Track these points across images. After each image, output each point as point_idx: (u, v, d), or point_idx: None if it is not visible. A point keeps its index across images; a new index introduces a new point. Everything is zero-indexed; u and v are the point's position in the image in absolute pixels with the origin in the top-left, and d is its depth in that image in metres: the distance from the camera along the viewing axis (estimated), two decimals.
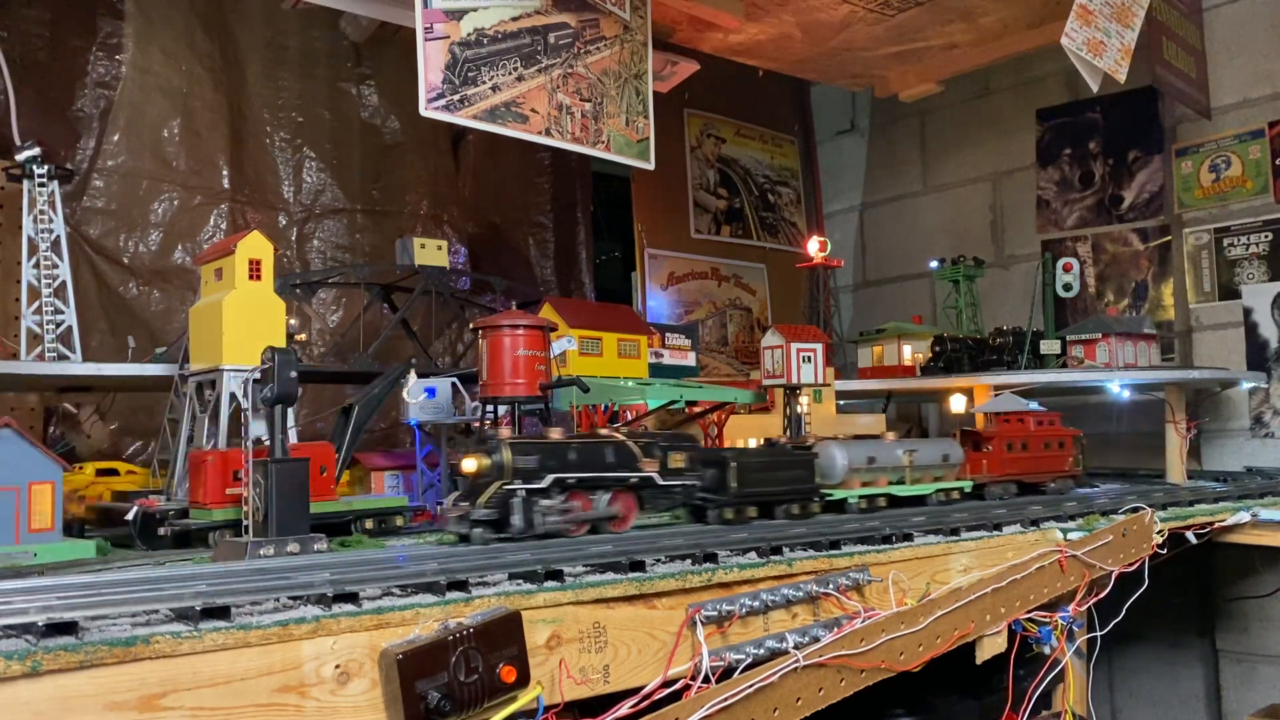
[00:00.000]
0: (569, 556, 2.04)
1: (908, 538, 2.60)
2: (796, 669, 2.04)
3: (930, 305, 5.91)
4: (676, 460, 2.62)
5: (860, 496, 2.98)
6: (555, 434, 2.46)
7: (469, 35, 3.01)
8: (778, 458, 2.85)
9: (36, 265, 3.08)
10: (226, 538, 2.36)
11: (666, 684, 1.93)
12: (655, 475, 2.55)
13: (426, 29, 2.92)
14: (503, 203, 5.27)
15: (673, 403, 3.35)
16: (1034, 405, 3.81)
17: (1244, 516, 3.43)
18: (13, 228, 3.48)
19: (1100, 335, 4.07)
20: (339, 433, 3.10)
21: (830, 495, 2.93)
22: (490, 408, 2.91)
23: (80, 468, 3.08)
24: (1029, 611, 2.66)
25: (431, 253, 3.63)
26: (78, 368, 3.06)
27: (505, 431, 2.42)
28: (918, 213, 6.26)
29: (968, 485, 3.31)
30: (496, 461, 2.33)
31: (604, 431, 2.65)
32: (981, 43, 4.72)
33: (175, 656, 1.46)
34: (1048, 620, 2.70)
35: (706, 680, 1.96)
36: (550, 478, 2.35)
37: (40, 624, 1.41)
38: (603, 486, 2.48)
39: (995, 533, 2.79)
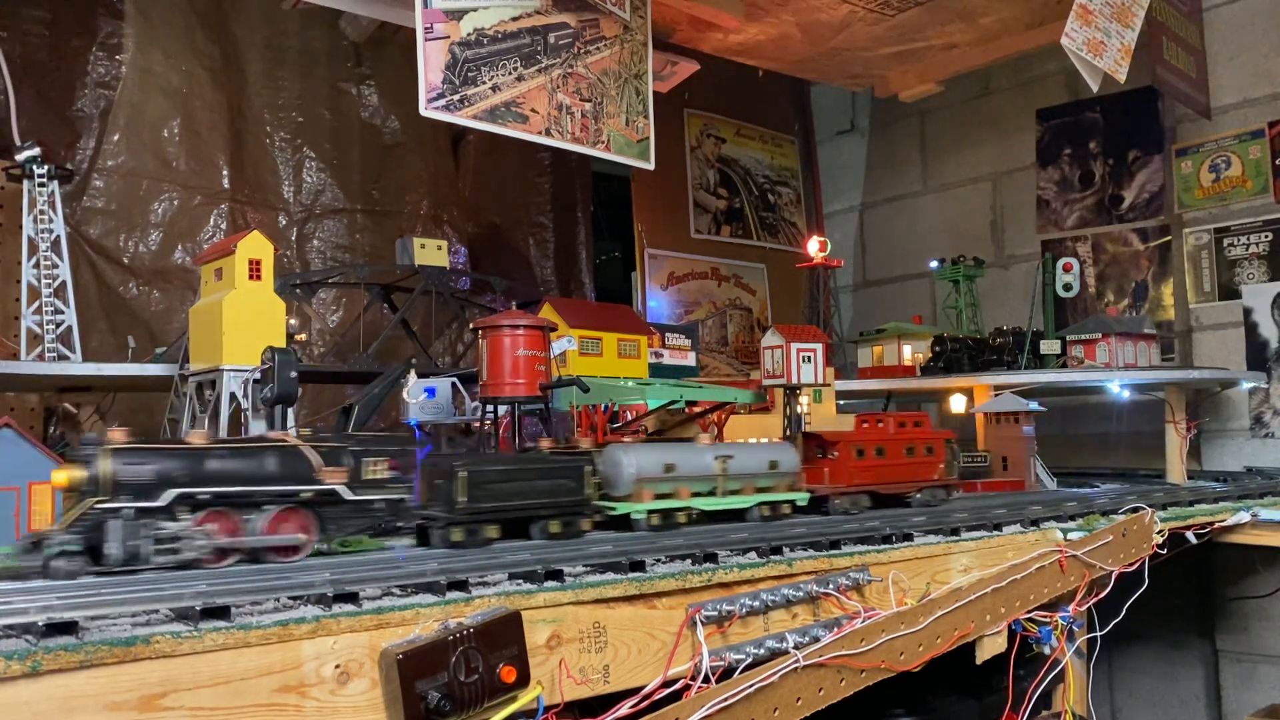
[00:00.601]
0: (569, 556, 2.04)
1: (908, 538, 2.60)
2: (796, 669, 2.04)
3: (930, 305, 5.91)
4: (375, 469, 2.16)
5: (651, 511, 2.53)
6: (196, 438, 2.01)
7: (469, 35, 3.01)
8: (530, 466, 2.39)
9: (36, 265, 3.08)
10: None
11: (666, 684, 1.93)
12: (342, 488, 2.06)
13: (426, 29, 2.92)
14: (503, 203, 5.27)
15: (673, 403, 3.35)
16: (1034, 405, 3.82)
17: (1244, 516, 3.43)
18: (13, 228, 3.48)
19: (1100, 335, 4.07)
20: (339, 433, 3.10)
21: (612, 510, 2.50)
22: (490, 408, 2.91)
23: None
24: (1029, 611, 2.66)
25: (431, 253, 3.63)
26: (78, 368, 3.06)
27: (117, 434, 1.91)
28: (918, 213, 6.26)
29: (802, 497, 2.86)
30: (93, 472, 1.83)
31: (274, 434, 2.17)
32: (981, 43, 4.72)
33: (175, 656, 1.46)
34: (1048, 620, 2.70)
35: (706, 680, 1.96)
36: (173, 493, 1.86)
37: (40, 624, 1.41)
38: (259, 504, 1.97)
39: (995, 533, 2.79)
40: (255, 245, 2.75)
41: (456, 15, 2.99)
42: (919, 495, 3.15)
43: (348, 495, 2.07)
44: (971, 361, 4.28)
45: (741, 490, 2.74)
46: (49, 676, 1.37)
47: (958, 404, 4.40)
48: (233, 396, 2.67)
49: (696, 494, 2.65)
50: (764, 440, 2.97)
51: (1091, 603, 2.83)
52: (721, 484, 2.69)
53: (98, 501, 1.81)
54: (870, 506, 3.02)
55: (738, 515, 2.75)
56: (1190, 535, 3.24)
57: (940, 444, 3.24)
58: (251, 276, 2.73)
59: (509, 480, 2.30)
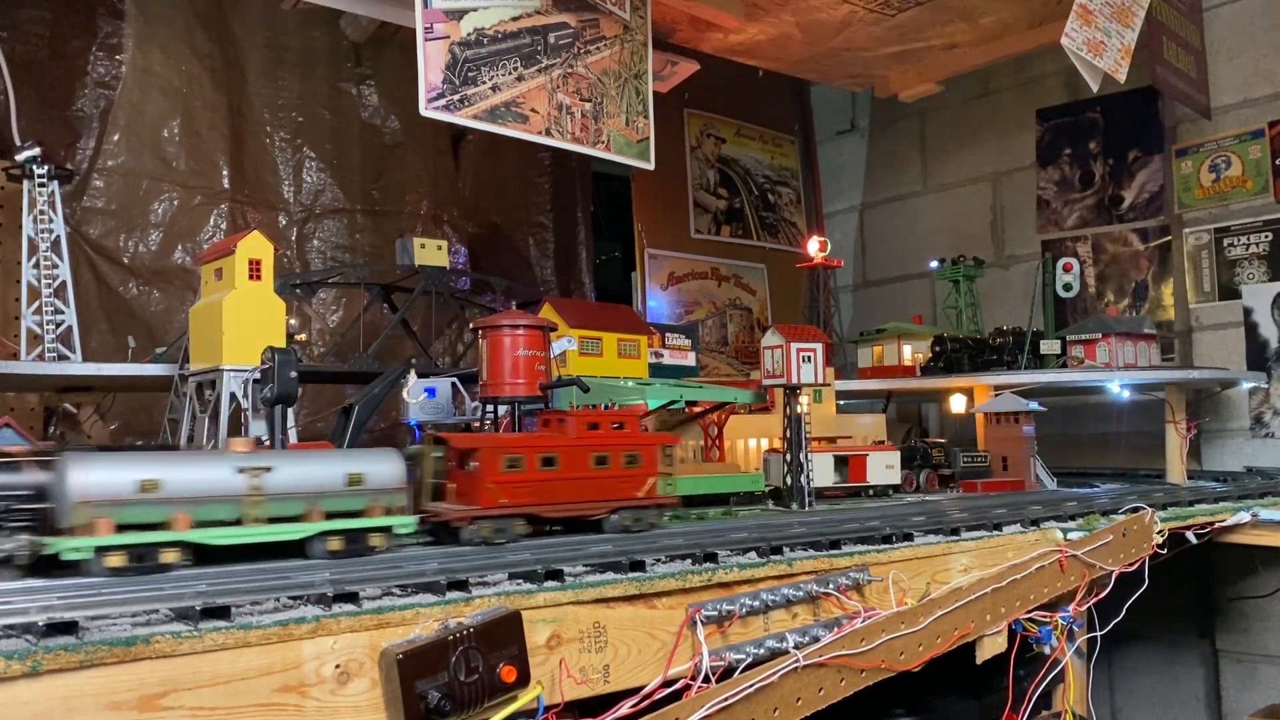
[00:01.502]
0: (569, 556, 2.04)
1: (908, 537, 2.60)
2: (796, 669, 2.04)
3: (930, 305, 5.91)
4: None
5: (106, 549, 1.76)
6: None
7: (469, 35, 3.01)
8: None
9: (36, 265, 3.08)
10: None
11: (666, 684, 1.93)
12: None
13: (426, 29, 2.92)
14: (503, 203, 5.27)
15: (673, 403, 3.35)
16: (1034, 405, 3.82)
17: (1244, 516, 3.42)
18: (13, 228, 3.49)
19: (1100, 335, 4.07)
20: (339, 433, 3.10)
21: (43, 548, 1.76)
22: (490, 408, 2.91)
23: None
24: (1029, 611, 2.66)
25: (431, 253, 3.63)
26: (78, 368, 3.07)
27: None
28: (918, 213, 6.26)
29: (404, 522, 2.10)
30: None
31: None
32: (981, 43, 4.72)
33: (175, 656, 1.46)
34: (1048, 620, 2.70)
35: (706, 680, 1.96)
36: None
37: (40, 624, 1.41)
38: None
39: (995, 532, 2.78)
40: (255, 245, 2.75)
41: (456, 15, 2.99)
42: (614, 518, 2.45)
43: None
44: (971, 361, 4.28)
45: (305, 515, 2.00)
46: (49, 676, 1.37)
47: (958, 404, 4.40)
48: (233, 396, 2.67)
49: (209, 522, 1.89)
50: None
51: (1091, 603, 2.83)
52: (253, 508, 1.94)
53: None
54: (528, 534, 2.31)
55: (295, 549, 2.00)
56: (1190, 535, 3.24)
57: (650, 451, 2.51)
58: (251, 276, 2.73)
59: None
